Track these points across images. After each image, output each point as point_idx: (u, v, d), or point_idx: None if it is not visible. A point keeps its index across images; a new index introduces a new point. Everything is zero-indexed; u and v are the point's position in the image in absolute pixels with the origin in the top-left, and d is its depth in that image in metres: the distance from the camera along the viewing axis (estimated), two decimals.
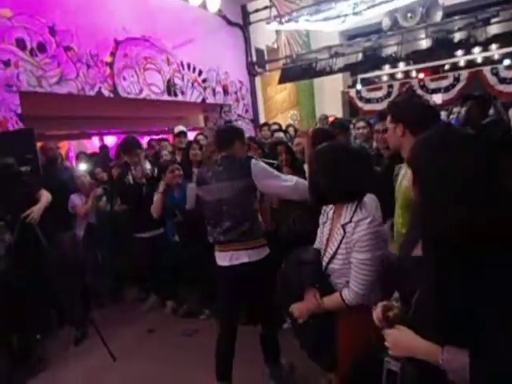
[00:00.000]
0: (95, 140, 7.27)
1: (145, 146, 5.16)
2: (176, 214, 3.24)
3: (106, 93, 4.84)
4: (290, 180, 2.32)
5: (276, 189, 2.36)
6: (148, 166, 3.72)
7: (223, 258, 2.35)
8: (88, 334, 3.38)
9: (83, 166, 4.22)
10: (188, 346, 3.18)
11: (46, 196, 3.14)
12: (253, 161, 2.31)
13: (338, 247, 1.62)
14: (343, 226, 1.60)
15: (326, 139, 2.64)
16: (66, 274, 3.10)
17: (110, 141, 7.17)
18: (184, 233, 3.53)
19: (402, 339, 1.11)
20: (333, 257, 1.64)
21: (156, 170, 3.72)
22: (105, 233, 3.96)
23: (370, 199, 1.74)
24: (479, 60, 8.31)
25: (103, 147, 6.00)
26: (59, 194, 3.49)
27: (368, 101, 8.84)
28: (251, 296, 2.43)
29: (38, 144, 4.79)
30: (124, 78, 5.09)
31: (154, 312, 3.88)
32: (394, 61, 7.18)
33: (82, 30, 4.53)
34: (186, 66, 6.19)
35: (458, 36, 6.00)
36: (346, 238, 1.59)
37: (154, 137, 6.51)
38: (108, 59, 4.89)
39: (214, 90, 6.86)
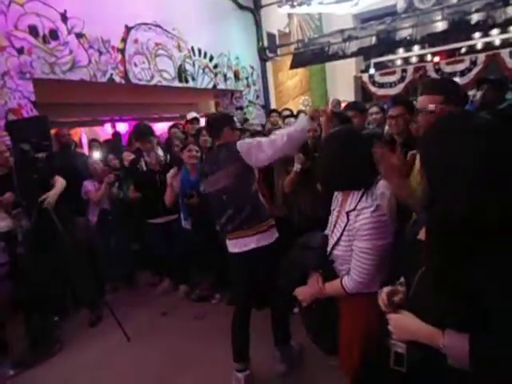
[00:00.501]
0: (107, 127, 7.34)
1: (159, 132, 5.18)
2: (193, 195, 3.26)
3: (117, 79, 4.86)
4: (279, 136, 2.21)
5: (268, 156, 2.24)
6: (161, 152, 3.75)
7: (233, 246, 2.38)
8: (103, 316, 3.48)
9: (96, 153, 4.27)
10: (200, 328, 3.26)
11: (60, 182, 3.21)
12: (238, 142, 2.29)
13: (342, 234, 1.62)
14: (347, 213, 1.60)
15: (341, 122, 2.61)
16: (80, 258, 3.17)
17: (123, 128, 7.23)
18: (197, 216, 3.51)
19: (404, 323, 1.13)
20: (336, 243, 1.65)
21: (168, 157, 3.75)
22: (118, 219, 4.03)
23: (383, 186, 1.73)
24: (497, 42, 8.01)
25: (116, 134, 6.05)
26: (73, 180, 3.55)
27: (381, 85, 8.65)
28: (263, 280, 2.46)
29: (52, 131, 4.89)
30: (135, 65, 5.09)
31: (167, 295, 3.97)
32: (408, 44, 7.01)
33: (92, 17, 4.52)
34: (196, 52, 6.15)
35: (475, 17, 5.80)
36: (349, 226, 1.58)
37: (168, 123, 6.53)
38: (119, 45, 4.89)
39: (225, 76, 6.82)
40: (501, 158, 0.93)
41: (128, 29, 5.01)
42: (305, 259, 1.81)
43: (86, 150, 5.92)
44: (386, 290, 1.26)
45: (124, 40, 4.95)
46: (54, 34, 4.18)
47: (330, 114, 2.42)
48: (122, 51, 4.92)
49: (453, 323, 1.00)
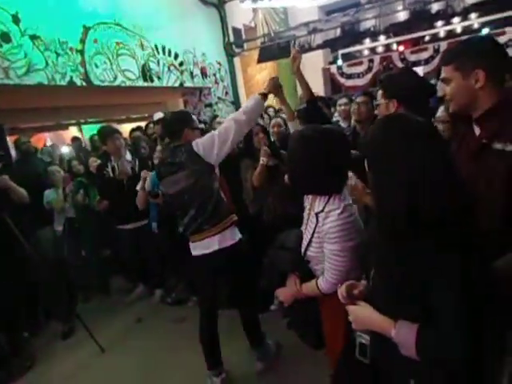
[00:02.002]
0: (73, 131, 7.11)
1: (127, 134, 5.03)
2: (158, 194, 3.19)
3: (78, 81, 4.68)
4: (229, 121, 2.18)
5: (227, 144, 2.17)
6: (129, 156, 3.65)
7: (194, 248, 2.32)
8: (75, 328, 3.38)
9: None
10: (177, 333, 3.20)
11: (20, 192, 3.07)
12: (193, 143, 2.19)
13: (312, 235, 1.61)
14: (316, 215, 1.58)
15: (313, 116, 2.59)
16: (47, 270, 3.05)
17: (89, 131, 7.01)
18: (163, 217, 3.44)
19: (361, 314, 1.19)
20: (309, 244, 1.64)
21: (137, 162, 3.65)
22: (85, 226, 3.90)
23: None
24: (459, 30, 8.23)
25: (75, 139, 5.87)
26: (35, 189, 3.41)
27: (349, 76, 8.73)
28: (229, 282, 2.43)
29: (12, 138, 4.69)
30: (96, 66, 4.91)
31: (142, 301, 3.89)
32: (372, 35, 7.10)
33: (47, 17, 4.33)
34: (160, 50, 6.01)
35: (435, 7, 5.94)
36: (318, 228, 1.57)
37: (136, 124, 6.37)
38: (78, 46, 4.71)
39: (191, 73, 6.70)
40: (430, 160, 0.99)
41: (86, 29, 4.83)
42: (281, 260, 1.81)
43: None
44: (345, 284, 1.32)
45: (83, 41, 4.77)
46: (5, 37, 3.97)
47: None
48: (82, 52, 4.74)
49: (405, 315, 1.05)
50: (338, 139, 1.57)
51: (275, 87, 2.33)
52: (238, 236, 2.35)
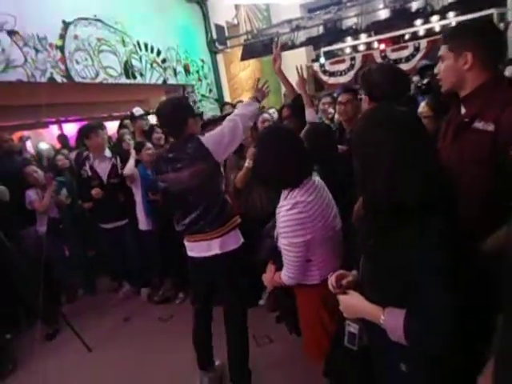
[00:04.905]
0: (54, 129, 6.96)
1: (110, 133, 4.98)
2: (158, 191, 3.15)
3: (58, 78, 4.58)
4: (234, 117, 2.10)
5: (233, 142, 2.07)
6: (108, 153, 3.61)
7: (192, 249, 2.21)
8: (60, 328, 3.32)
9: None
10: (165, 332, 3.19)
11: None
12: (201, 138, 2.03)
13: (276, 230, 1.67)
14: (278, 209, 1.63)
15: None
16: (30, 271, 2.99)
17: (70, 129, 6.88)
18: (160, 214, 3.40)
19: (351, 303, 1.23)
20: (277, 237, 1.69)
21: (118, 159, 3.61)
22: (69, 226, 3.84)
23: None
24: (437, 28, 8.42)
25: (61, 136, 5.76)
26: (17, 188, 3.34)
27: (332, 74, 8.82)
28: (224, 283, 2.28)
29: None
30: (77, 62, 4.81)
31: (128, 300, 3.86)
32: (354, 32, 7.16)
33: (25, 12, 4.21)
34: (143, 46, 5.93)
35: (415, 5, 6.04)
36: (277, 223, 1.63)
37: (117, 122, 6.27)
38: (58, 42, 4.60)
39: (174, 70, 6.64)
40: (411, 148, 1.03)
41: (66, 24, 4.72)
42: (262, 248, 1.94)
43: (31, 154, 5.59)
44: (334, 274, 1.35)
45: (62, 36, 4.66)
46: None
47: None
48: (62, 48, 4.63)
49: (392, 302, 1.09)
50: (290, 136, 1.66)
51: (263, 96, 2.36)
52: (241, 240, 2.23)
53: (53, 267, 3.57)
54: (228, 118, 2.13)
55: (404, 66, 7.84)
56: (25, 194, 3.41)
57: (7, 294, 3.15)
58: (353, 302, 1.22)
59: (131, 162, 3.45)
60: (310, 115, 2.56)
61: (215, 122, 2.93)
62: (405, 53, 8.01)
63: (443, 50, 1.40)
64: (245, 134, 2.18)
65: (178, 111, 2.06)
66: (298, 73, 2.74)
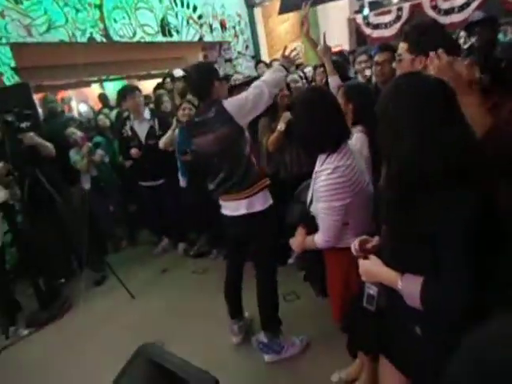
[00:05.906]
0: (95, 88, 7.16)
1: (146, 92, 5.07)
2: (187, 152, 3.27)
3: (98, 38, 4.68)
4: (260, 84, 2.09)
5: (257, 109, 2.09)
6: (147, 115, 3.71)
7: (224, 207, 2.32)
8: (107, 276, 3.65)
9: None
10: (199, 283, 3.43)
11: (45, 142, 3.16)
12: (224, 102, 2.06)
13: (312, 194, 1.69)
14: (316, 173, 1.65)
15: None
16: (79, 225, 3.26)
17: (111, 87, 7.05)
18: (191, 174, 3.53)
19: (370, 268, 1.25)
20: (310, 201, 1.71)
21: (156, 121, 3.71)
22: (110, 184, 4.08)
23: (359, 141, 1.75)
24: None
25: (102, 95, 5.93)
26: (63, 148, 3.54)
27: (376, 27, 8.25)
28: (252, 240, 2.38)
29: (38, 96, 4.79)
30: (115, 21, 4.87)
31: (166, 253, 4.14)
32: None
33: None
34: (179, 2, 5.84)
35: None
36: (314, 186, 1.64)
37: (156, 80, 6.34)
38: (96, 1, 4.64)
39: (210, 27, 6.52)
40: (437, 117, 1.01)
41: None
42: (292, 213, 1.95)
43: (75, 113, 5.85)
44: (358, 238, 1.39)
45: None
46: None
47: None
48: (100, 7, 4.69)
49: (411, 268, 1.11)
50: (327, 100, 1.65)
51: (290, 64, 2.30)
52: (269, 202, 2.26)
53: (98, 221, 3.87)
54: (254, 84, 2.14)
55: (456, 17, 7.21)
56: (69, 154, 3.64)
57: (60, 244, 3.48)
58: (372, 267, 1.25)
59: (168, 135, 3.47)
60: (333, 82, 2.48)
61: (241, 86, 2.92)
62: (458, 1, 7.31)
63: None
64: (270, 99, 2.15)
65: (203, 75, 2.11)
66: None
